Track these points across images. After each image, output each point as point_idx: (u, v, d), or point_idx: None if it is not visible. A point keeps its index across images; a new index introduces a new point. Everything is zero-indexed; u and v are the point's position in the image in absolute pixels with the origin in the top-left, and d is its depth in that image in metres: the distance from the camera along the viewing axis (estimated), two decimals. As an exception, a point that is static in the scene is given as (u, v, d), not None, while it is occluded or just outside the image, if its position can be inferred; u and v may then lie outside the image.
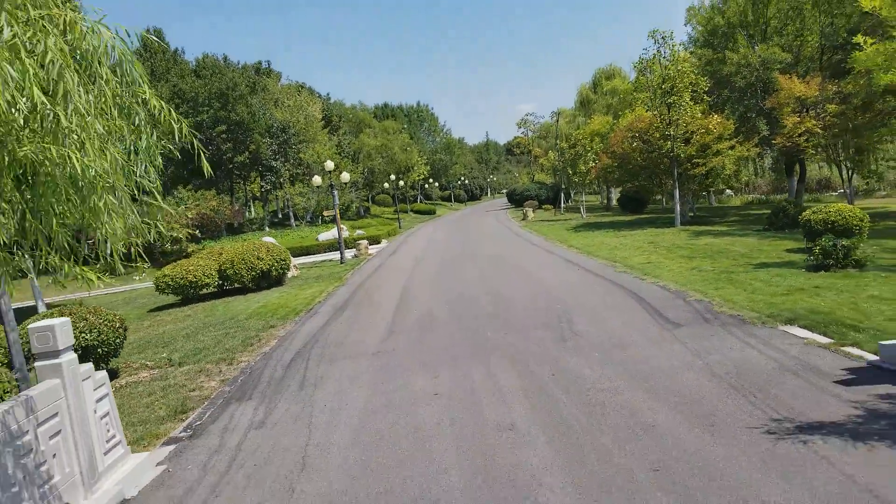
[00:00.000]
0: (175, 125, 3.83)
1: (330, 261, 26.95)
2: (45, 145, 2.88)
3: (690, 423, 5.32)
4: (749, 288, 11.09)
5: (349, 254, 27.07)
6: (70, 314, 10.22)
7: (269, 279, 19.53)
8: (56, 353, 5.15)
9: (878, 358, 6.31)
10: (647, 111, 27.82)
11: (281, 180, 47.21)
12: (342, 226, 27.87)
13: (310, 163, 47.12)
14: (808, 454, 4.43)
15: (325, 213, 27.94)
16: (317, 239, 34.03)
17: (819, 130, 22.43)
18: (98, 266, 3.56)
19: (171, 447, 6.56)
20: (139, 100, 3.71)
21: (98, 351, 9.85)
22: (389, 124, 71.62)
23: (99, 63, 3.01)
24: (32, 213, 3.11)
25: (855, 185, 37.59)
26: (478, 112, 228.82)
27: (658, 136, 26.74)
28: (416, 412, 6.54)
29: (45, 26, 2.89)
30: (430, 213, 69.52)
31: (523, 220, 42.53)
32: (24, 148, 2.84)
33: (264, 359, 10.09)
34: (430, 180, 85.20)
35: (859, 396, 5.41)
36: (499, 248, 24.11)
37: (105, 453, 5.50)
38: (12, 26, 2.80)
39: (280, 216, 52.24)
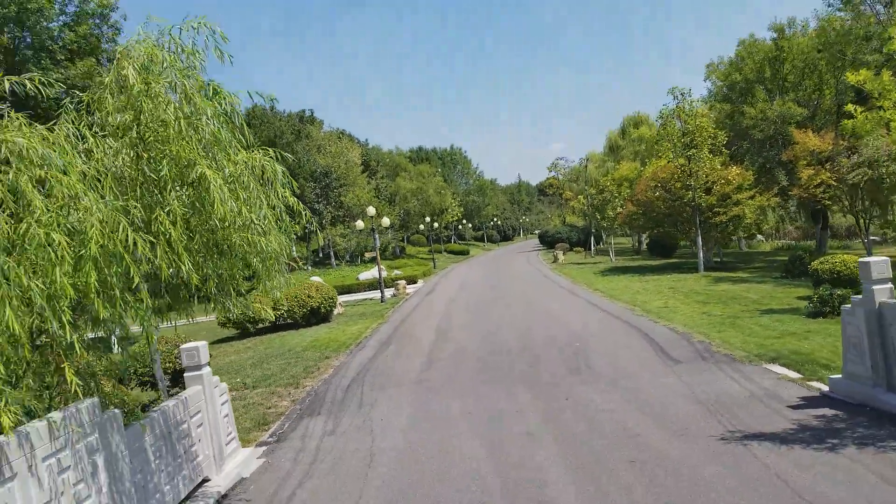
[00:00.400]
0: (303, 213, 5.87)
1: (371, 299, 29.00)
2: (244, 235, 4.90)
3: (667, 434, 6.91)
4: (748, 331, 12.51)
5: (388, 293, 29.06)
6: (166, 342, 12.51)
7: (317, 316, 21.63)
8: (199, 367, 7.14)
9: (828, 389, 7.79)
10: (668, 162, 29.45)
11: (323, 222, 50.17)
12: (381, 265, 29.99)
13: (350, 205, 50.02)
14: (745, 452, 6.04)
15: (367, 255, 30.14)
16: (357, 278, 36.20)
17: (834, 182, 23.65)
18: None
19: (264, 447, 8.40)
20: (280, 195, 5.77)
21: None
22: (424, 168, 74.74)
23: (279, 189, 5.08)
24: (227, 273, 5.12)
25: (884, 233, 37.97)
26: (509, 152, 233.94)
27: (679, 185, 28.29)
28: (453, 424, 8.28)
29: (245, 167, 4.97)
30: (464, 253, 71.60)
31: (553, 262, 43.88)
32: (234, 236, 4.86)
33: (325, 384, 11.95)
34: (464, 221, 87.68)
35: (800, 416, 6.93)
36: (528, 291, 25.74)
37: (226, 444, 7.38)
38: (229, 168, 4.87)
39: (321, 255, 55.02)
